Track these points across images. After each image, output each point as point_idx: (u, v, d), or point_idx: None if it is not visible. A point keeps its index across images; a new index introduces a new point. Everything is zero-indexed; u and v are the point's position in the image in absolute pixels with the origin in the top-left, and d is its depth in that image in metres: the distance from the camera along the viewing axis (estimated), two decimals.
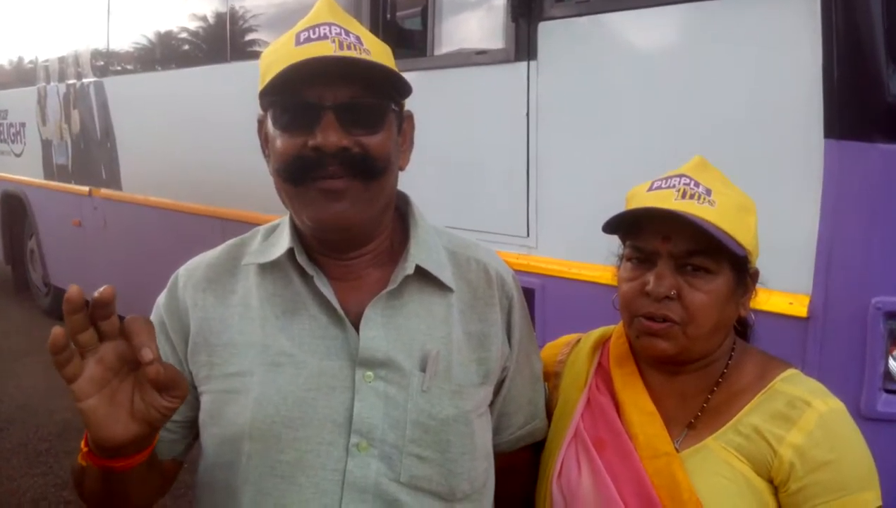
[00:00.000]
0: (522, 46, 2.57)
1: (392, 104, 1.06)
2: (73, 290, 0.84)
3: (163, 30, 4.78)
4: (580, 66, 2.45)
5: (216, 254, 1.17)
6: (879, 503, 1.09)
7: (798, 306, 1.93)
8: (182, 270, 1.16)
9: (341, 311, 1.06)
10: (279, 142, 1.03)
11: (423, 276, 1.10)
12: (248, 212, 3.82)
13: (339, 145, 1.00)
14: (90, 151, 5.56)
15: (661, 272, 1.12)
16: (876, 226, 1.89)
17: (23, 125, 6.67)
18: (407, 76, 1.06)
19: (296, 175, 1.02)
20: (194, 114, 4.43)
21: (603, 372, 1.26)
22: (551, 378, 1.32)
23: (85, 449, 0.97)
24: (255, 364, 1.06)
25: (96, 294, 0.85)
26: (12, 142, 6.92)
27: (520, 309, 1.20)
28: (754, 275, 1.19)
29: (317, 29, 1.03)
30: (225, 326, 1.09)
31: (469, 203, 2.81)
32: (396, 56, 1.11)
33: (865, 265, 1.90)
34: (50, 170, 6.21)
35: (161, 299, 1.15)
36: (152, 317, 1.11)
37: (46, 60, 6.23)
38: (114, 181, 5.28)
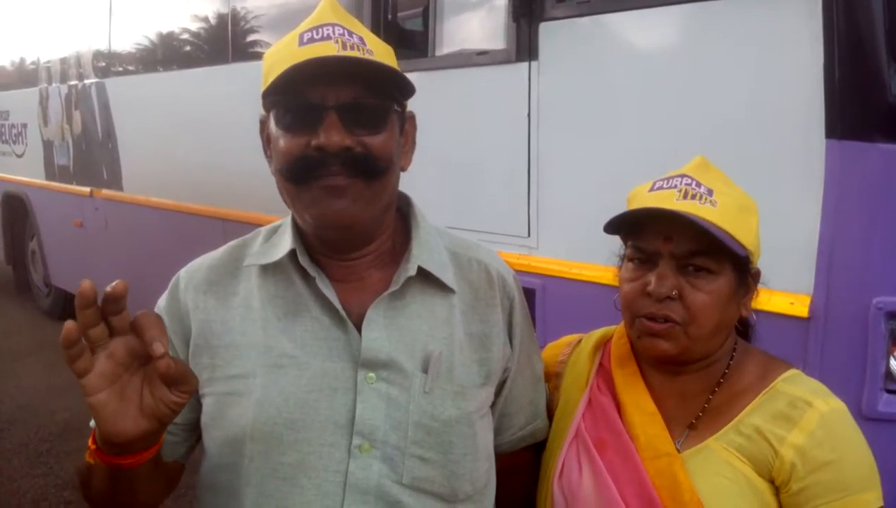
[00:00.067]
0: (523, 47, 2.57)
1: (395, 104, 1.06)
2: (86, 285, 0.85)
3: (164, 31, 4.79)
4: (581, 66, 2.45)
5: (217, 256, 1.17)
6: (881, 503, 1.09)
7: (799, 306, 1.93)
8: (183, 272, 1.16)
9: (343, 313, 1.07)
10: (282, 142, 1.03)
11: (424, 277, 1.10)
12: (249, 212, 3.82)
13: (342, 145, 1.00)
14: (91, 152, 5.57)
15: (663, 272, 1.12)
16: (877, 226, 1.89)
17: (24, 126, 6.68)
18: (408, 77, 1.06)
19: (298, 175, 1.02)
20: (196, 115, 4.43)
21: (604, 373, 1.26)
22: (552, 378, 1.32)
23: (92, 447, 0.97)
24: (257, 365, 1.06)
25: (109, 288, 0.85)
26: (14, 142, 6.92)
27: (521, 310, 1.20)
28: (756, 276, 1.19)
29: (320, 29, 1.03)
30: (226, 328, 1.09)
31: (470, 203, 2.81)
32: (398, 56, 1.11)
33: (866, 265, 1.90)
34: (51, 171, 6.22)
35: (162, 301, 1.15)
36: None
37: (48, 61, 6.23)
38: (115, 182, 5.28)
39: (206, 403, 1.10)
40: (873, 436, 1.16)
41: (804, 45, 1.92)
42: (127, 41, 5.17)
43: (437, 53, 2.92)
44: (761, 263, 1.19)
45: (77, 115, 5.73)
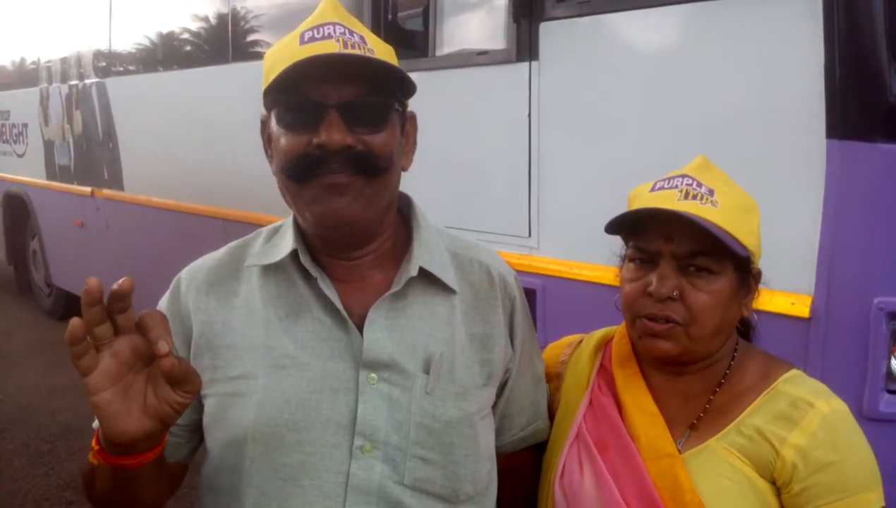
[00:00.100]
0: (524, 47, 2.57)
1: (395, 103, 1.06)
2: (92, 282, 0.85)
3: (164, 31, 4.79)
4: (582, 66, 2.45)
5: (218, 257, 1.17)
6: (882, 503, 1.08)
7: (800, 306, 1.93)
8: (184, 273, 1.16)
9: (345, 313, 1.07)
10: (283, 140, 1.03)
11: (426, 278, 1.10)
12: (250, 212, 3.83)
13: (343, 143, 1.00)
14: (92, 152, 5.57)
15: (664, 273, 1.12)
16: (878, 226, 1.89)
17: (25, 126, 6.68)
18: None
19: (299, 173, 1.02)
20: (196, 114, 4.44)
21: (605, 373, 1.26)
22: (553, 379, 1.32)
23: (96, 448, 0.97)
24: (259, 366, 1.06)
25: (115, 286, 0.85)
26: (15, 142, 6.93)
27: (522, 311, 1.20)
28: (757, 276, 1.19)
29: (321, 28, 1.03)
30: (228, 329, 1.09)
31: (471, 203, 2.81)
32: (398, 56, 1.11)
33: (867, 265, 1.90)
34: (52, 171, 6.22)
35: (163, 302, 1.15)
36: None
37: (49, 61, 6.24)
38: (116, 182, 5.28)
39: (208, 404, 1.10)
40: (874, 436, 1.16)
41: (804, 44, 1.91)
42: (127, 41, 5.17)
43: (438, 53, 2.92)
44: (762, 263, 1.19)
45: (78, 115, 5.74)
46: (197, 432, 1.15)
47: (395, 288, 1.08)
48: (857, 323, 1.88)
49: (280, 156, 1.04)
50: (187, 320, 1.11)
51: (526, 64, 2.56)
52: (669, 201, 1.11)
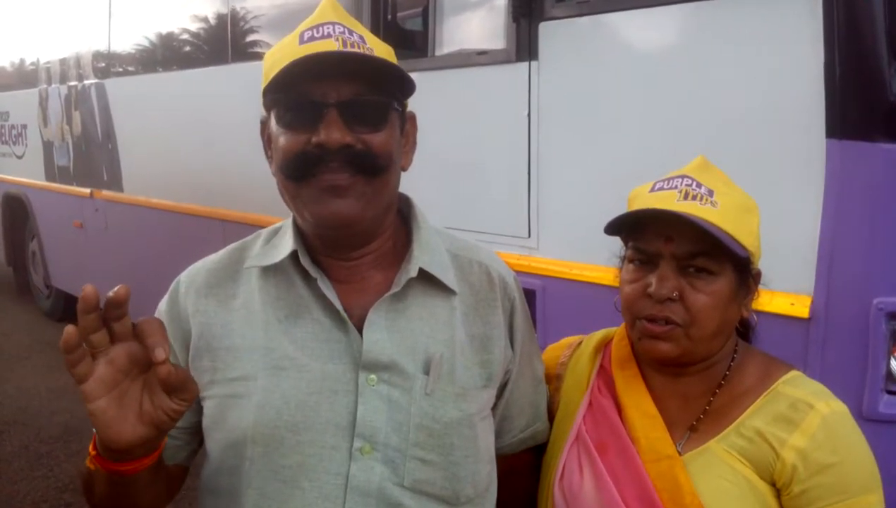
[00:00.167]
0: (523, 47, 2.56)
1: (395, 103, 1.06)
2: (88, 290, 0.84)
3: (164, 31, 4.79)
4: (581, 66, 2.45)
5: (217, 259, 1.17)
6: (882, 505, 1.08)
7: (800, 307, 1.93)
8: (183, 276, 1.16)
9: (344, 314, 1.06)
10: (282, 139, 1.03)
11: (426, 279, 1.10)
12: (249, 213, 3.82)
13: (342, 142, 1.00)
14: (91, 153, 5.57)
15: (664, 274, 1.11)
16: (878, 227, 1.88)
17: (24, 127, 6.68)
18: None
19: (298, 171, 1.02)
20: (195, 115, 4.43)
21: (605, 375, 1.25)
22: (553, 380, 1.32)
23: (93, 453, 0.97)
24: (259, 368, 1.06)
25: (111, 293, 0.85)
26: (14, 143, 6.92)
27: (522, 312, 1.20)
28: (757, 276, 1.19)
29: (321, 28, 1.03)
30: (227, 331, 1.09)
31: (470, 204, 2.81)
32: (397, 56, 1.10)
33: (867, 265, 1.90)
34: (51, 172, 6.22)
35: (162, 305, 1.15)
36: None
37: (48, 62, 6.24)
38: (115, 183, 5.28)
39: (207, 406, 1.09)
40: (874, 437, 1.15)
41: (804, 44, 1.91)
42: (126, 42, 5.17)
43: (437, 53, 2.92)
44: (762, 264, 1.19)
45: (77, 116, 5.73)
46: (197, 434, 1.14)
47: (394, 289, 1.08)
48: (856, 323, 1.88)
49: (279, 155, 1.04)
50: (186, 323, 1.10)
51: (525, 64, 2.56)
52: (669, 202, 1.11)
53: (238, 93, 3.85)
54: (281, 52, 1.03)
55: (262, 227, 1.20)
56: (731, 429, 1.12)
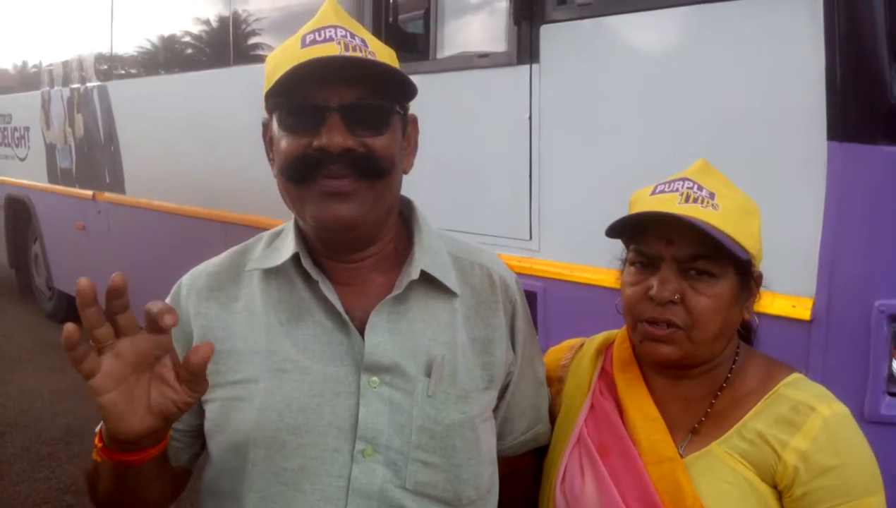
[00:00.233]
0: (525, 49, 2.57)
1: (397, 106, 1.07)
2: (83, 282, 0.84)
3: (166, 34, 4.80)
4: (583, 69, 2.45)
5: (219, 262, 1.17)
6: (884, 507, 1.08)
7: (801, 309, 1.93)
8: (185, 279, 1.16)
9: (346, 316, 1.06)
10: (284, 142, 1.03)
11: (427, 281, 1.10)
12: (251, 215, 3.83)
13: (344, 146, 1.00)
14: (94, 155, 5.58)
15: (665, 276, 1.12)
16: (879, 229, 1.88)
17: (27, 129, 6.69)
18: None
19: (299, 173, 1.02)
20: (198, 117, 4.44)
21: (606, 377, 1.25)
22: (554, 382, 1.32)
23: (99, 445, 0.97)
24: (260, 371, 1.06)
25: (109, 283, 0.85)
26: (16, 146, 6.93)
27: (523, 314, 1.20)
28: (758, 279, 1.19)
29: (322, 31, 1.03)
30: (229, 334, 1.09)
31: (472, 206, 2.81)
32: (399, 59, 1.11)
33: (869, 267, 1.90)
34: (54, 174, 6.23)
35: None
36: None
37: (50, 65, 6.25)
38: (117, 185, 5.29)
39: (210, 409, 1.10)
40: (876, 440, 1.15)
41: (805, 47, 1.91)
42: (129, 44, 5.18)
43: (439, 56, 2.92)
44: (763, 266, 1.19)
45: (79, 119, 5.75)
46: (198, 437, 1.14)
47: (396, 292, 1.08)
48: (858, 325, 1.88)
49: (280, 158, 1.05)
50: (187, 326, 1.11)
51: (527, 66, 2.56)
52: (670, 205, 1.11)
53: (240, 95, 3.86)
54: (283, 56, 1.04)
55: (263, 230, 1.20)
56: (733, 432, 1.12)
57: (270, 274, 1.11)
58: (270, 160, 1.10)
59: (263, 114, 1.10)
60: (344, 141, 1.00)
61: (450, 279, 1.12)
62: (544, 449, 1.29)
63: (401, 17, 3.13)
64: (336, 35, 1.03)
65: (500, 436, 1.20)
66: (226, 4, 4.21)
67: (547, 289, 2.55)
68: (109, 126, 5.31)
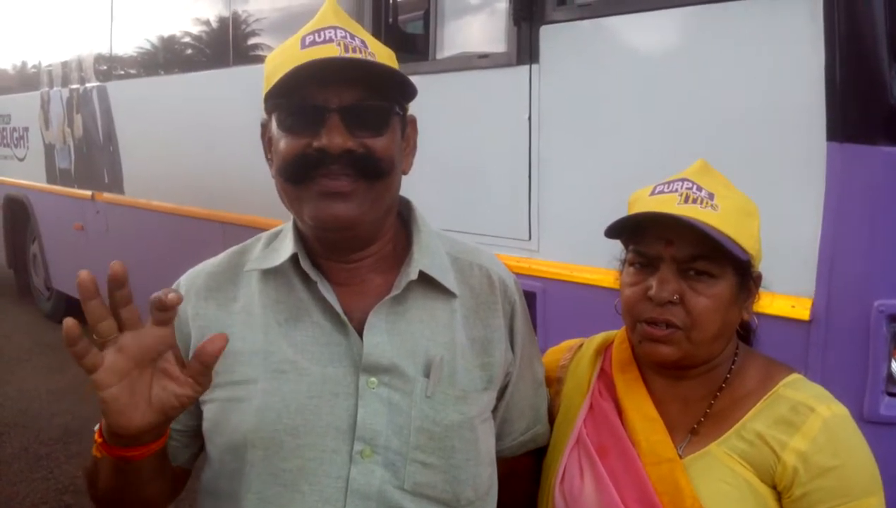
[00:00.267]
0: (524, 50, 2.57)
1: (396, 107, 1.07)
2: (83, 275, 0.84)
3: (165, 34, 4.80)
4: (582, 69, 2.45)
5: (217, 262, 1.17)
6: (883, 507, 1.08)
7: (800, 309, 1.93)
8: (183, 279, 1.16)
9: (344, 317, 1.06)
10: (283, 143, 1.03)
11: (426, 282, 1.10)
12: (250, 216, 3.83)
13: (344, 147, 1.00)
14: (93, 155, 5.58)
15: (664, 277, 1.11)
16: (878, 229, 1.89)
17: (26, 129, 6.69)
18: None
19: (297, 174, 1.02)
20: (197, 118, 4.44)
21: (605, 378, 1.25)
22: (553, 383, 1.32)
23: (99, 440, 0.97)
24: (259, 371, 1.06)
25: (109, 271, 0.85)
26: (15, 146, 6.93)
27: (522, 315, 1.20)
28: (757, 279, 1.19)
29: (322, 32, 1.03)
30: (227, 334, 1.09)
31: (471, 206, 2.81)
32: (398, 60, 1.11)
33: (868, 268, 1.90)
34: (53, 175, 6.23)
35: None
36: None
37: (49, 65, 6.25)
38: (116, 185, 5.29)
39: (208, 409, 1.09)
40: (875, 440, 1.15)
41: (805, 47, 1.91)
42: (128, 45, 5.18)
43: (438, 57, 2.92)
44: (763, 266, 1.19)
45: (78, 119, 5.74)
46: (196, 437, 1.14)
47: (395, 292, 1.08)
48: (857, 325, 1.88)
49: (279, 159, 1.05)
50: (186, 326, 1.10)
51: (526, 67, 2.56)
52: (669, 205, 1.11)
53: (239, 96, 3.86)
54: (283, 57, 1.04)
55: (262, 230, 1.20)
56: (732, 432, 1.12)
57: (269, 274, 1.11)
58: (269, 160, 1.10)
59: (262, 114, 1.10)
60: (344, 142, 1.00)
61: (448, 279, 1.12)
62: (543, 450, 1.28)
63: (401, 17, 3.13)
64: (336, 36, 1.03)
65: (499, 437, 1.20)
66: (225, 5, 4.21)
67: (546, 290, 2.55)
68: (108, 126, 5.31)
